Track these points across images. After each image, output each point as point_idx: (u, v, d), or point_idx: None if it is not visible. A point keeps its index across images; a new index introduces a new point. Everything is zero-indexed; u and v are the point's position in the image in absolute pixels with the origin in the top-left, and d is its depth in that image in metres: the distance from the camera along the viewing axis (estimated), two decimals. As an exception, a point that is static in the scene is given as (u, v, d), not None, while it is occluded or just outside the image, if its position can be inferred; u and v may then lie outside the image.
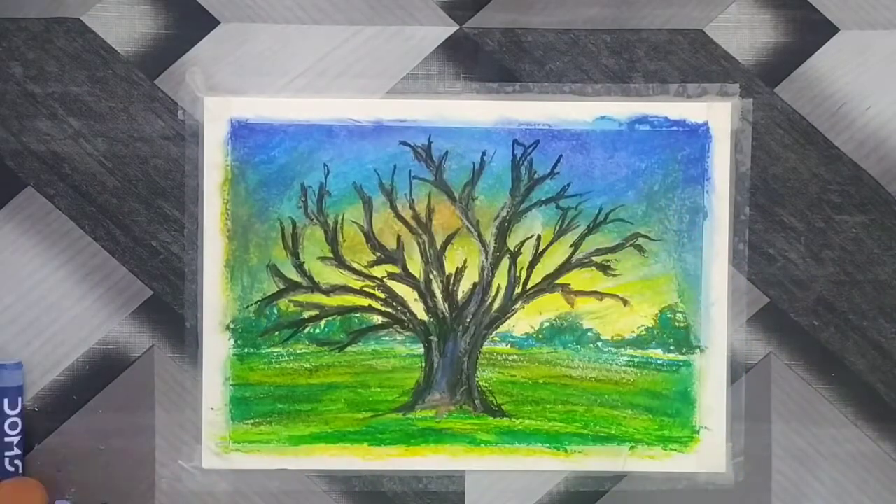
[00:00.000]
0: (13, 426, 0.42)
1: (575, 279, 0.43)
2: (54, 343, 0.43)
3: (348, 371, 0.43)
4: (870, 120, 0.43)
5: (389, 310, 0.43)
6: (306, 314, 0.43)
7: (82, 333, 0.43)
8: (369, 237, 0.43)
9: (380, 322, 0.43)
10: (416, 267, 0.43)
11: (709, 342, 0.43)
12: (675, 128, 0.43)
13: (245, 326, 0.43)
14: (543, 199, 0.43)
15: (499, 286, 0.43)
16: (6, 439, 0.42)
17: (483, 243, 0.43)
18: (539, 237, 0.43)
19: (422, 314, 0.43)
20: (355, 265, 0.43)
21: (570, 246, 0.43)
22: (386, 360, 0.43)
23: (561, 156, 0.43)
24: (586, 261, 0.43)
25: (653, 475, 0.43)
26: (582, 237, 0.43)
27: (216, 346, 0.43)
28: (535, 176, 0.43)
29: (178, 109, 0.43)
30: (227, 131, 0.42)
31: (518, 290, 0.43)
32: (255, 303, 0.43)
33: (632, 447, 0.43)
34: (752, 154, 0.43)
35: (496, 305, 0.43)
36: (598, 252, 0.43)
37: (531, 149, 0.43)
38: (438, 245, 0.43)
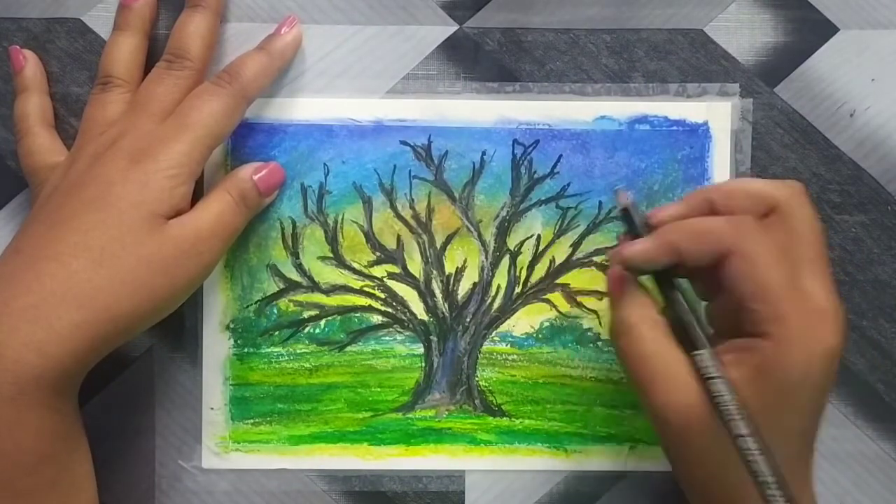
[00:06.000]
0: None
1: (575, 279, 0.43)
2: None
3: (348, 371, 0.43)
4: (870, 120, 0.43)
5: (389, 309, 0.43)
6: (306, 314, 0.43)
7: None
8: (369, 237, 0.43)
9: (380, 322, 0.43)
10: (416, 267, 0.43)
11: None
12: (674, 128, 0.43)
13: (245, 326, 0.43)
14: (543, 198, 0.43)
15: (499, 286, 0.43)
16: (6, 439, 0.42)
17: (483, 243, 0.43)
18: (539, 237, 0.43)
19: (422, 314, 0.43)
20: (355, 265, 0.43)
21: (570, 246, 0.43)
22: (386, 360, 0.43)
23: (561, 155, 0.43)
24: (586, 261, 0.43)
25: (653, 475, 0.43)
26: (582, 237, 0.43)
27: (216, 346, 0.43)
28: (535, 176, 0.43)
29: (179, 109, 0.42)
30: (227, 131, 0.42)
31: (518, 289, 0.43)
32: (255, 302, 0.43)
33: (632, 447, 0.43)
34: (752, 154, 0.43)
35: (496, 305, 0.43)
36: (599, 252, 0.43)
37: (531, 148, 0.43)
38: (438, 245, 0.43)
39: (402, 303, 0.43)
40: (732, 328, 0.35)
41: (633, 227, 0.37)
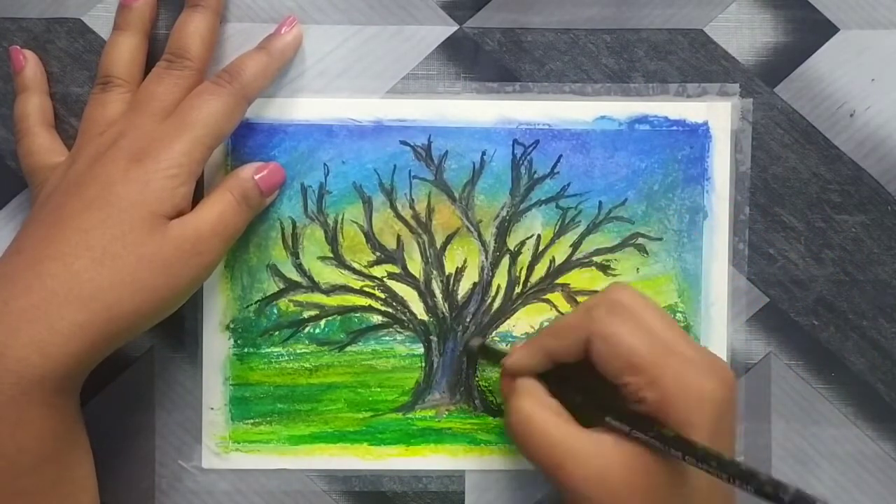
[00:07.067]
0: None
1: (575, 279, 0.43)
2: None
3: (348, 371, 0.43)
4: (870, 120, 0.43)
5: (389, 309, 0.43)
6: (306, 314, 0.43)
7: (82, 333, 0.42)
8: (369, 237, 0.43)
9: (380, 322, 0.43)
10: (416, 267, 0.43)
11: (709, 342, 0.43)
12: (674, 128, 0.43)
13: (245, 326, 0.43)
14: (543, 198, 0.43)
15: (499, 286, 0.43)
16: (6, 439, 0.42)
17: (483, 243, 0.43)
18: (539, 237, 0.43)
19: (422, 314, 0.43)
20: (355, 265, 0.43)
21: (570, 246, 0.43)
22: (386, 360, 0.43)
23: (561, 155, 0.43)
24: (586, 261, 0.43)
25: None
26: (582, 237, 0.43)
27: (216, 346, 0.43)
28: (535, 176, 0.43)
29: (179, 109, 0.42)
30: (227, 131, 0.42)
31: (518, 289, 0.43)
32: (255, 302, 0.43)
33: (632, 447, 0.43)
34: (752, 154, 0.43)
35: (496, 305, 0.43)
36: (598, 252, 0.43)
37: (531, 148, 0.43)
38: (438, 245, 0.43)
39: (402, 303, 0.43)
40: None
41: (495, 355, 0.40)
